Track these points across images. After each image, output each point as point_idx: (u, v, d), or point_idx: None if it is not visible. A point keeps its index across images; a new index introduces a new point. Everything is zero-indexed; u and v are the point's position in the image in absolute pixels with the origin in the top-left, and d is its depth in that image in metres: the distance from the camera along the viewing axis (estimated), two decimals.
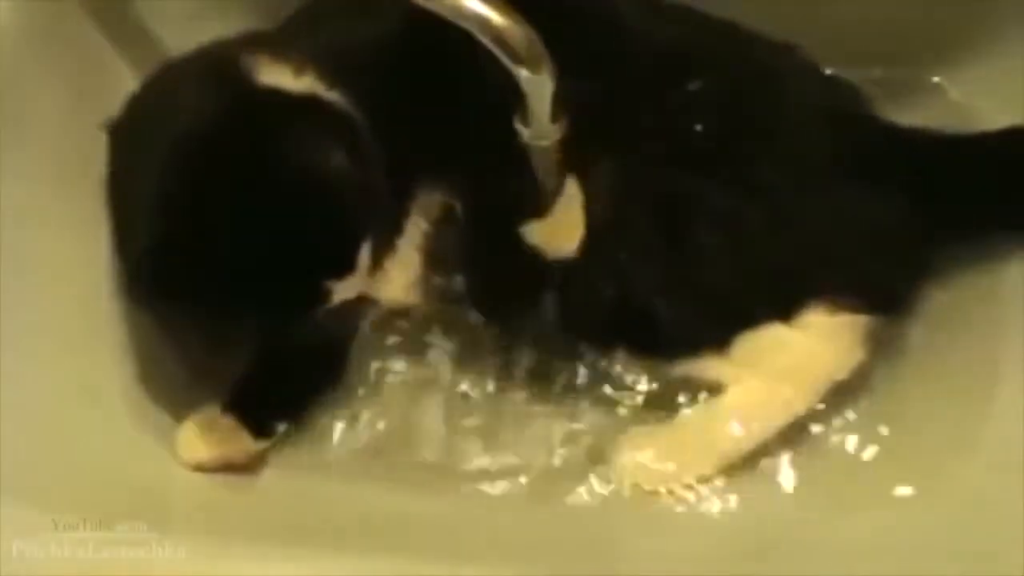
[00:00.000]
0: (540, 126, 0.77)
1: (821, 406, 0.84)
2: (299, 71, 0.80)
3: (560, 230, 0.83)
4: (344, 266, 0.77)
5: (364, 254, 0.78)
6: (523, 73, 0.73)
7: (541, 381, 0.88)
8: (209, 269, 0.73)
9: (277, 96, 0.78)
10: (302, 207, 0.74)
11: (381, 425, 0.88)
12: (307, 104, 0.78)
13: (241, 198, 0.74)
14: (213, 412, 0.85)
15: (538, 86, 0.74)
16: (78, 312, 0.85)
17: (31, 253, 0.83)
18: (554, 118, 0.77)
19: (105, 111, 0.82)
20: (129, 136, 0.82)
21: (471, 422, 0.88)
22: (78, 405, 0.82)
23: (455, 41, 0.71)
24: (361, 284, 0.79)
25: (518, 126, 0.78)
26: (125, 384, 0.85)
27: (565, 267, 0.83)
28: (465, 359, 0.90)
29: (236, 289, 0.74)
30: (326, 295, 0.77)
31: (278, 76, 0.80)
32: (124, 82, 0.87)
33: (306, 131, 0.76)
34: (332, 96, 0.80)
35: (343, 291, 0.78)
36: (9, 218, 0.81)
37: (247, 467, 0.85)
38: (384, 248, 0.82)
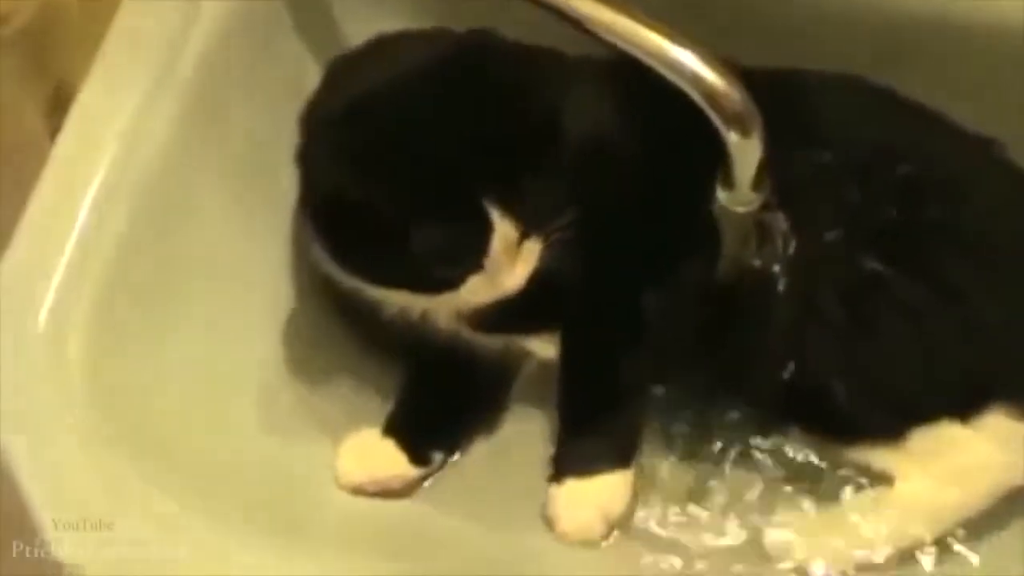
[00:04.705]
0: (741, 192, 0.77)
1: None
2: None
3: None
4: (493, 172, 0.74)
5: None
6: (732, 136, 0.73)
7: (700, 450, 0.87)
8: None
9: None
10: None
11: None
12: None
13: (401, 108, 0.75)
14: (372, 434, 0.86)
15: (746, 151, 0.74)
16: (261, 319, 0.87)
17: (221, 249, 0.85)
18: (756, 186, 0.76)
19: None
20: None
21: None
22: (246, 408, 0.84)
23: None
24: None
25: (718, 189, 0.77)
26: (295, 396, 0.86)
27: (747, 340, 0.83)
28: None
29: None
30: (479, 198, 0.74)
31: None
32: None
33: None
34: None
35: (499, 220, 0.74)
36: (203, 219, 0.84)
37: (402, 494, 0.85)
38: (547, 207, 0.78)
